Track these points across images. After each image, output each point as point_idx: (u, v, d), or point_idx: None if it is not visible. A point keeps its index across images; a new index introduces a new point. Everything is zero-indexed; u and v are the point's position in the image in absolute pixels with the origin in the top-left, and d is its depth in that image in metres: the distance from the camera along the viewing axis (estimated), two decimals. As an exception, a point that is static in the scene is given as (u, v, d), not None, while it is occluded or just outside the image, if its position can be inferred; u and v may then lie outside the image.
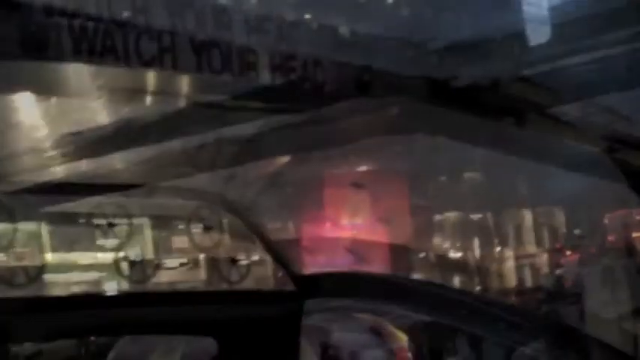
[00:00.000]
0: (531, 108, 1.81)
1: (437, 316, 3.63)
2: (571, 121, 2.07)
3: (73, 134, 2.49)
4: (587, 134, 2.16)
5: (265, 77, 1.35)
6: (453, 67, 1.70)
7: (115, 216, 4.07)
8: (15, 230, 4.17)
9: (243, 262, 4.18)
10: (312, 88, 1.41)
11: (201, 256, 5.05)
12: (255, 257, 4.46)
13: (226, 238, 4.20)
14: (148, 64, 1.23)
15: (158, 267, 4.21)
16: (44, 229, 4.59)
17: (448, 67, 1.69)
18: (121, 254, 3.97)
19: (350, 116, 1.62)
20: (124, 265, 4.03)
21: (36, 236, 4.71)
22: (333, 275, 4.28)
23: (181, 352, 4.86)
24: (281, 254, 4.12)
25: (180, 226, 4.60)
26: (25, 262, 4.50)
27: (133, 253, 4.01)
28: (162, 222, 4.26)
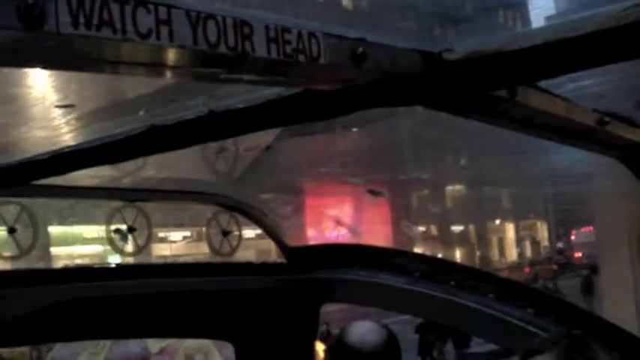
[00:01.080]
0: (523, 80, 1.83)
1: (425, 287, 3.67)
2: (561, 95, 2.09)
3: (65, 106, 2.49)
4: (578, 107, 2.19)
5: (261, 50, 1.36)
6: (449, 40, 1.72)
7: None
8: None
9: (235, 234, 4.21)
10: (307, 60, 1.42)
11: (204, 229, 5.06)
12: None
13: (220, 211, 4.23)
14: (144, 36, 1.24)
15: (152, 239, 4.24)
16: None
17: (443, 39, 1.70)
18: (113, 227, 4.00)
19: (344, 88, 1.63)
20: (116, 238, 4.06)
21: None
22: (324, 247, 4.33)
23: (104, 357, 4.94)
24: (271, 226, 4.15)
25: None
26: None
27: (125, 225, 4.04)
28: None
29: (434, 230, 55.09)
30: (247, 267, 4.41)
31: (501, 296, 3.47)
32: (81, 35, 1.17)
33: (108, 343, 4.94)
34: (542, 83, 2.00)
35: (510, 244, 62.39)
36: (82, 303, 3.62)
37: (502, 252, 60.96)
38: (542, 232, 64.08)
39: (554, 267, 45.37)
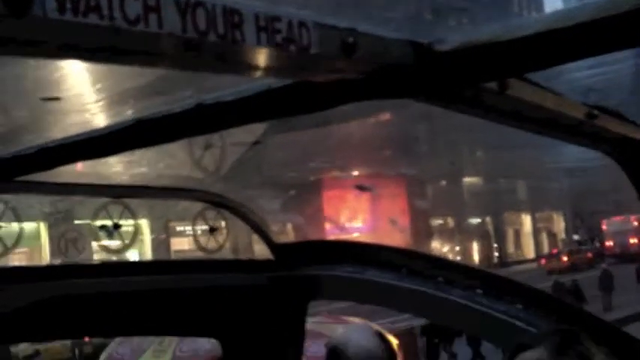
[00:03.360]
0: (514, 72, 1.82)
1: (413, 283, 3.66)
2: (551, 88, 2.09)
3: (51, 99, 2.46)
4: (568, 100, 2.18)
5: (251, 38, 1.34)
6: (440, 31, 1.70)
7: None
8: None
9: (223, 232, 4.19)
10: (297, 50, 1.40)
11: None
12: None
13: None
14: (132, 23, 1.22)
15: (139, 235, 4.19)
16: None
17: (434, 30, 1.69)
18: (98, 222, 3.95)
19: (335, 79, 1.61)
20: (102, 234, 4.01)
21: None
22: (311, 243, 4.32)
23: (172, 354, 4.76)
24: (258, 223, 4.14)
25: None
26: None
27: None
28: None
29: (450, 223, 55.35)
30: (234, 264, 4.39)
31: (489, 292, 3.47)
32: (68, 21, 1.15)
33: (174, 340, 4.77)
34: (533, 76, 1.99)
35: (527, 236, 62.87)
36: (66, 300, 3.58)
37: (518, 244, 61.44)
38: (559, 224, 64.49)
39: (590, 255, 47.25)
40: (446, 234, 54.52)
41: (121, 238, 3.93)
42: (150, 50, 1.29)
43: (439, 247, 52.58)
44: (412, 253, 4.00)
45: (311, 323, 6.41)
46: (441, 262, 3.80)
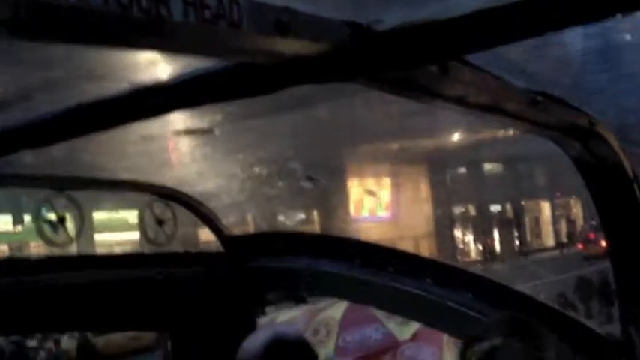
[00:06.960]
0: (453, 55, 1.79)
1: (365, 273, 3.65)
2: (492, 72, 2.07)
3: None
4: (510, 85, 2.16)
5: (177, 14, 1.29)
6: (377, 11, 1.66)
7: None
8: None
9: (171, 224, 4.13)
10: (228, 26, 1.36)
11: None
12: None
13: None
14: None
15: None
16: None
17: (371, 10, 1.65)
18: (45, 215, 3.86)
19: (270, 61, 1.57)
20: (46, 228, 3.91)
21: None
22: (263, 235, 4.28)
23: (334, 344, 4.38)
24: (208, 215, 4.09)
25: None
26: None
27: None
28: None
29: (472, 210, 54.65)
30: (185, 256, 4.33)
31: (440, 281, 3.47)
32: None
33: (334, 328, 4.38)
34: (475, 61, 1.96)
35: (547, 223, 62.68)
36: (11, 295, 3.50)
37: (538, 232, 61.17)
38: (577, 210, 64.24)
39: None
40: (467, 222, 54.08)
41: (66, 232, 3.83)
42: (70, 24, 1.24)
43: (461, 235, 52.19)
44: (363, 243, 3.99)
45: None
46: (391, 253, 3.79)
